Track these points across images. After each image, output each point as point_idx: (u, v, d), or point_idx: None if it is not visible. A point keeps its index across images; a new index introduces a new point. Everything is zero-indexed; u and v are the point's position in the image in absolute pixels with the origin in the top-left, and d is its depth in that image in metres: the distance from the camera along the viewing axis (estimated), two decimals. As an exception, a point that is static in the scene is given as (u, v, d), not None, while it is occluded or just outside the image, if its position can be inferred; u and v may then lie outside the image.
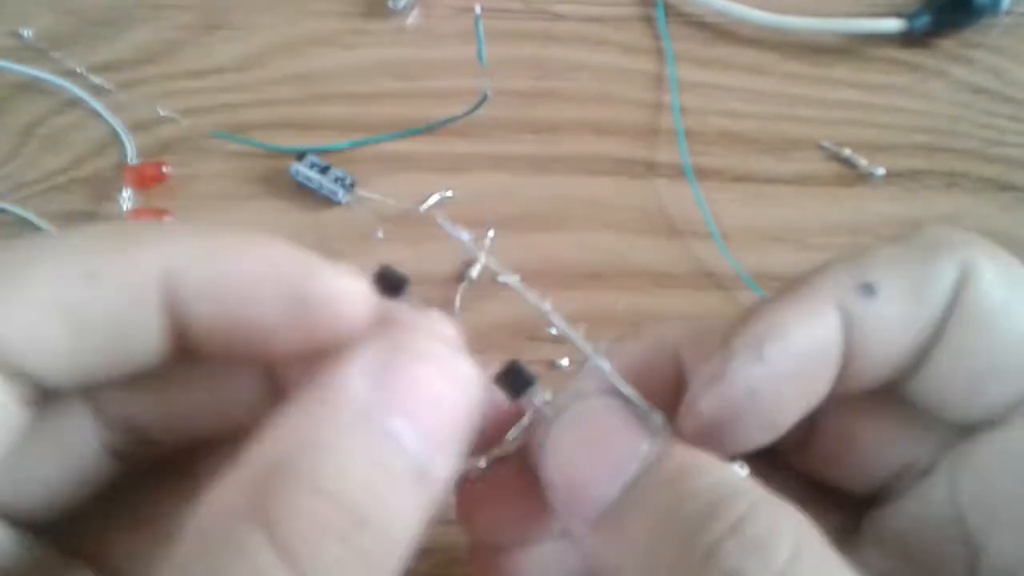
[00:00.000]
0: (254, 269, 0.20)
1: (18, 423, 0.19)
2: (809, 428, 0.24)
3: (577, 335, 0.23)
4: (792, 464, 0.25)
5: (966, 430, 0.23)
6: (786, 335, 0.21)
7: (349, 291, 0.21)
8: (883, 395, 0.23)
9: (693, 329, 0.24)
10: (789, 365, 0.21)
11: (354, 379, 0.18)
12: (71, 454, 0.22)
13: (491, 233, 0.43)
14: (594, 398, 0.22)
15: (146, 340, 0.20)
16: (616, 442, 0.21)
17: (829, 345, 0.21)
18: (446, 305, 0.41)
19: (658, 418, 0.21)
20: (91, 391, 0.22)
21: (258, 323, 0.20)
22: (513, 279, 0.24)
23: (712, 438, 0.21)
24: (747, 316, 0.22)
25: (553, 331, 0.40)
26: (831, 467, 0.25)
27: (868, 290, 0.21)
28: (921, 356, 0.22)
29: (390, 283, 0.22)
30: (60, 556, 0.22)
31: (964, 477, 0.22)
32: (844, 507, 0.25)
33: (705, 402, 0.21)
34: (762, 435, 0.22)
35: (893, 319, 0.21)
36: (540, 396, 0.22)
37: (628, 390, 0.22)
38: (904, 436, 0.24)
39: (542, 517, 0.23)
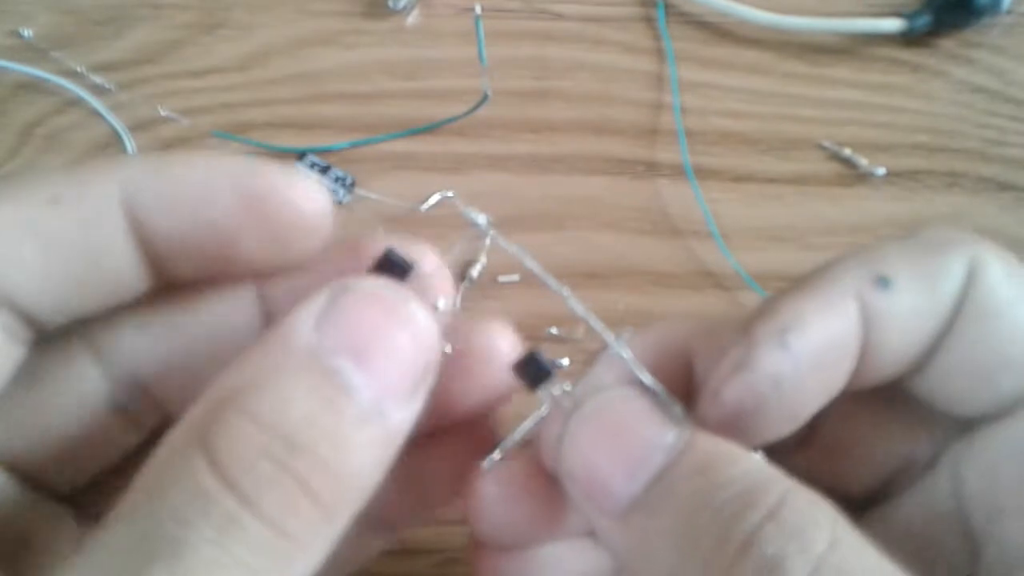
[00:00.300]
0: (203, 173, 0.21)
1: (9, 356, 0.20)
2: (808, 426, 0.24)
3: (597, 322, 0.23)
4: (790, 463, 0.25)
5: (968, 425, 0.23)
6: (809, 325, 0.21)
7: (299, 185, 0.21)
8: (884, 392, 0.23)
9: (703, 324, 0.24)
10: (812, 354, 0.21)
11: (301, 321, 0.19)
12: (73, 403, 0.22)
13: (492, 233, 0.43)
14: (615, 388, 0.22)
15: (118, 261, 0.21)
16: (641, 433, 0.21)
17: (849, 336, 0.21)
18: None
19: (678, 408, 0.21)
20: (88, 336, 0.22)
21: (219, 225, 0.21)
22: (533, 264, 0.23)
23: (733, 429, 0.21)
24: (765, 307, 0.22)
25: (554, 331, 0.40)
26: (831, 465, 0.25)
27: (883, 282, 0.21)
28: (931, 349, 0.22)
29: (395, 266, 0.21)
30: (50, 506, 0.22)
31: (969, 470, 0.22)
32: (841, 508, 0.25)
33: (730, 390, 0.21)
34: (781, 427, 0.22)
35: (907, 311, 0.21)
36: (558, 386, 0.22)
37: (649, 379, 0.21)
38: (905, 433, 0.24)
39: (554, 515, 0.23)
